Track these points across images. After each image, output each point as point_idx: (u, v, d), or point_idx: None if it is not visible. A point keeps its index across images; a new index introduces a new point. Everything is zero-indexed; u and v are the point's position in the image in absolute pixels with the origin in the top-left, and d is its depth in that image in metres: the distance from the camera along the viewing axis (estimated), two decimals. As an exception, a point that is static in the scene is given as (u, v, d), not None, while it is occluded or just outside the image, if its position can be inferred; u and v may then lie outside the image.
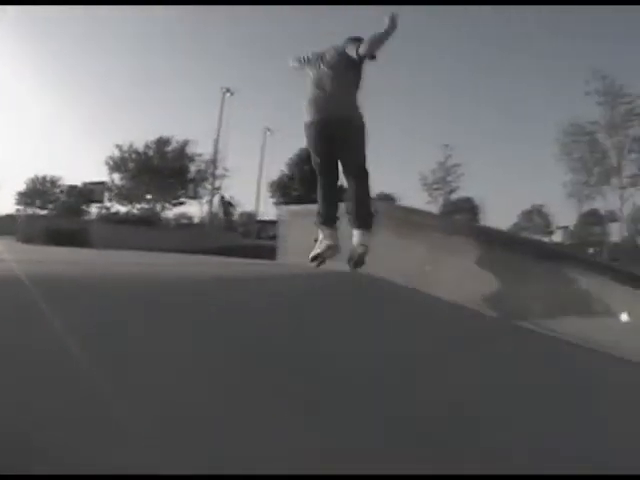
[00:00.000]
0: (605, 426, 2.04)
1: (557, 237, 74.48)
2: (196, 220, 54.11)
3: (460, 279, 4.06)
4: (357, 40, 4.56)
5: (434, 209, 52.98)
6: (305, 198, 43.13)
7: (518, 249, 4.18)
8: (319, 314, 2.52)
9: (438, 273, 4.10)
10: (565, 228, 72.05)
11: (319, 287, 3.34)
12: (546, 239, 71.01)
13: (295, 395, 1.49)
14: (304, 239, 4.77)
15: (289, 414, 1.36)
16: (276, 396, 1.43)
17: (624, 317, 3.75)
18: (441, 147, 57.59)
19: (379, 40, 4.37)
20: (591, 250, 63.30)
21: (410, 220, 4.44)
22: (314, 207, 4.62)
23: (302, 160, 54.62)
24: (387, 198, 57.90)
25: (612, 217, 51.36)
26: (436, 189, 58.27)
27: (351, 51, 4.47)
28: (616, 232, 53.67)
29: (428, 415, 1.66)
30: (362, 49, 4.39)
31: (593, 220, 61.97)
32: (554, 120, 68.18)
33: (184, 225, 52.91)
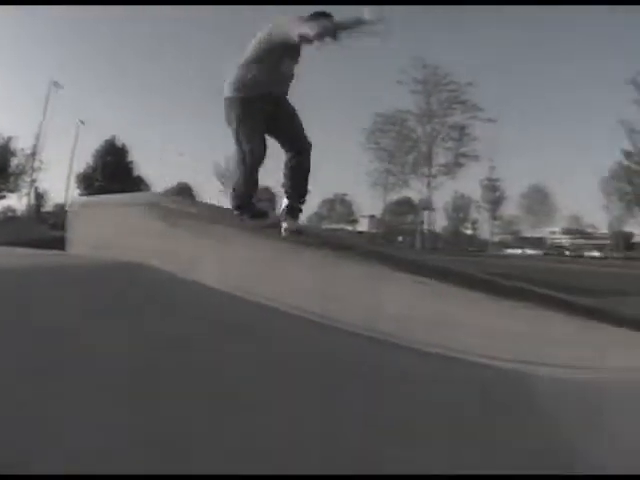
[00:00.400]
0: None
1: (362, 226, 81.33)
2: (18, 213, 60.89)
3: (227, 267, 4.27)
4: (321, 16, 4.28)
5: (227, 198, 56.97)
6: (107, 189, 44.13)
7: (286, 237, 4.41)
8: (87, 305, 2.80)
9: (206, 262, 4.30)
10: (372, 217, 78.01)
11: (93, 277, 3.63)
12: (349, 228, 77.00)
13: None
14: (89, 230, 4.92)
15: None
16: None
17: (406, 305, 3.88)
18: None
19: (328, 31, 4.09)
20: (400, 238, 68.59)
21: (179, 210, 4.70)
22: (99, 198, 5.25)
23: (106, 152, 61.53)
24: (184, 188, 69.65)
25: (426, 205, 55.60)
26: (228, 178, 62.04)
27: (291, 30, 4.18)
28: (434, 220, 58.25)
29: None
30: (304, 30, 4.08)
31: (404, 209, 67.11)
32: (364, 109, 73.56)
33: (9, 218, 58.04)
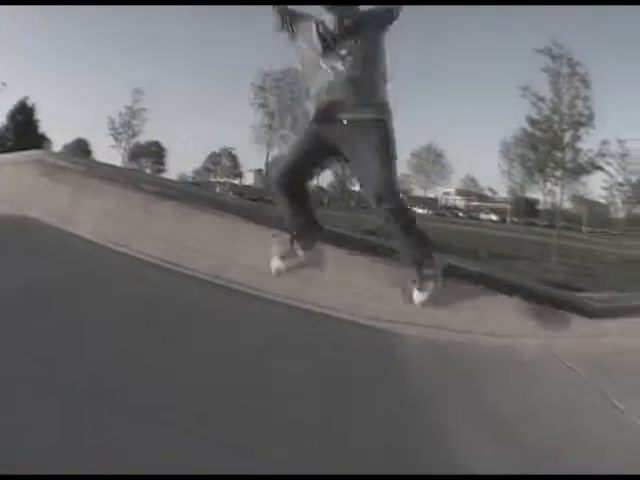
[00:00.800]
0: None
1: (249, 180, 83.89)
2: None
3: (97, 219, 4.67)
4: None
5: (118, 152, 65.32)
6: (16, 147, 44.83)
7: (147, 189, 4.75)
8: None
9: (81, 214, 4.71)
10: (259, 171, 79.81)
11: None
12: (235, 181, 79.13)
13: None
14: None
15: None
16: None
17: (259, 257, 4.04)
18: (132, 91, 66.14)
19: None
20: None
21: (62, 166, 5.08)
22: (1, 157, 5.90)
23: (18, 112, 64.50)
24: (82, 143, 77.55)
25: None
26: (120, 133, 67.33)
27: None
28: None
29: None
30: None
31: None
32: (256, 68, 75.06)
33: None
